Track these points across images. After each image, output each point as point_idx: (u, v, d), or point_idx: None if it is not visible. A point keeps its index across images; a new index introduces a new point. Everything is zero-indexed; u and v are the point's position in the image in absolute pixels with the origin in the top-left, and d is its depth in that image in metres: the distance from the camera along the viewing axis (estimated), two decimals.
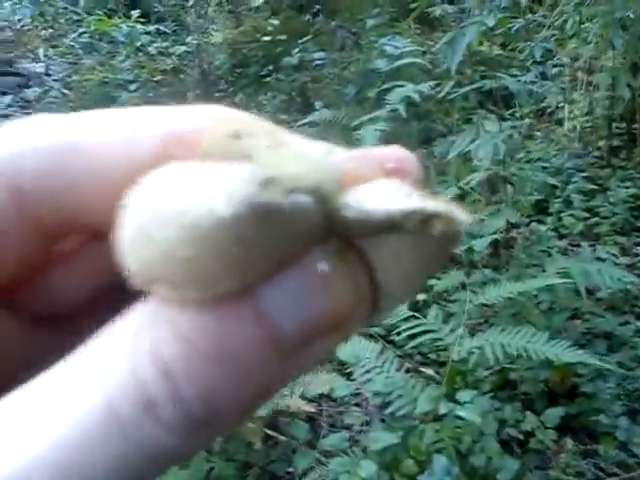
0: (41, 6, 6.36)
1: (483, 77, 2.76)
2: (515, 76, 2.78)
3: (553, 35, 3.75)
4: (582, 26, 3.59)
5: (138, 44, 5.13)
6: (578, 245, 2.90)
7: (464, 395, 1.65)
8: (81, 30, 5.79)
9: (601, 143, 3.88)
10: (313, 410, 1.89)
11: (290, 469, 1.76)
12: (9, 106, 4.80)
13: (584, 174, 3.49)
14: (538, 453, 1.83)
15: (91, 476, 0.16)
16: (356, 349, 1.78)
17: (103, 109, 0.21)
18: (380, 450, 1.58)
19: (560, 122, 4.17)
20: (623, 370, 2.02)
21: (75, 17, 6.26)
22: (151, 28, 5.51)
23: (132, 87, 4.88)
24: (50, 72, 5.87)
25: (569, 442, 1.85)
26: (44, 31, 6.52)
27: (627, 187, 3.30)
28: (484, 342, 1.71)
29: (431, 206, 0.17)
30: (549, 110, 4.23)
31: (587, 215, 3.11)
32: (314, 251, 0.17)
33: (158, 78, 5.20)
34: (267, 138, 0.18)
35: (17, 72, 5.90)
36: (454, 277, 2.13)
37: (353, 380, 1.83)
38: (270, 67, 5.22)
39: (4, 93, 5.23)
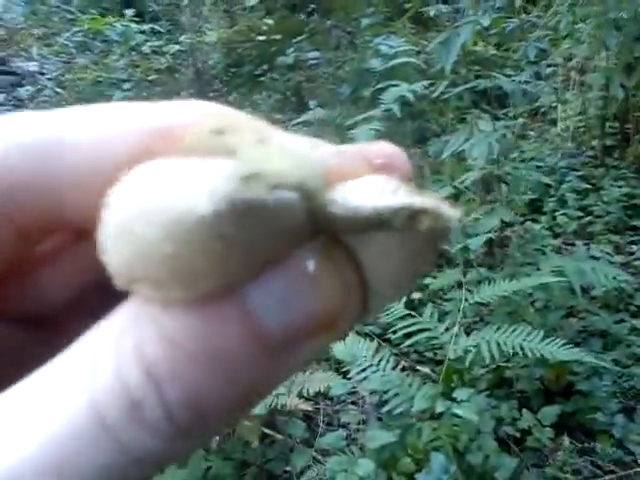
0: (34, 4, 6.34)
1: (477, 77, 2.76)
2: (509, 76, 2.79)
3: (547, 35, 3.75)
4: (576, 26, 3.60)
5: (132, 43, 5.11)
6: (572, 244, 2.91)
7: (461, 393, 1.65)
8: (75, 29, 5.76)
9: (594, 143, 3.89)
10: (310, 409, 1.89)
11: (287, 468, 1.76)
12: (2, 105, 4.79)
13: (578, 173, 3.50)
14: (535, 451, 1.83)
15: (80, 477, 0.16)
16: (352, 348, 1.78)
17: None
18: (377, 448, 1.59)
19: (554, 122, 4.18)
20: (619, 368, 2.03)
21: (69, 16, 6.23)
22: (145, 27, 5.48)
23: (126, 86, 4.87)
24: (44, 71, 5.85)
25: (566, 440, 1.85)
26: (37, 30, 6.49)
27: (620, 186, 3.31)
28: (480, 340, 1.71)
29: (418, 202, 0.17)
30: (543, 110, 4.24)
31: (581, 214, 3.12)
32: (301, 249, 0.17)
33: (152, 77, 5.19)
34: (251, 134, 0.17)
35: (10, 71, 5.87)
36: (449, 276, 2.13)
37: (349, 379, 1.82)
38: (265, 66, 5.21)
39: None
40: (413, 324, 1.81)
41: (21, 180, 0.19)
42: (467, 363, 1.72)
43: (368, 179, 0.18)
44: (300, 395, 1.77)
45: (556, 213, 3.13)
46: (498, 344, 1.68)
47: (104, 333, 0.17)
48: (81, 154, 0.19)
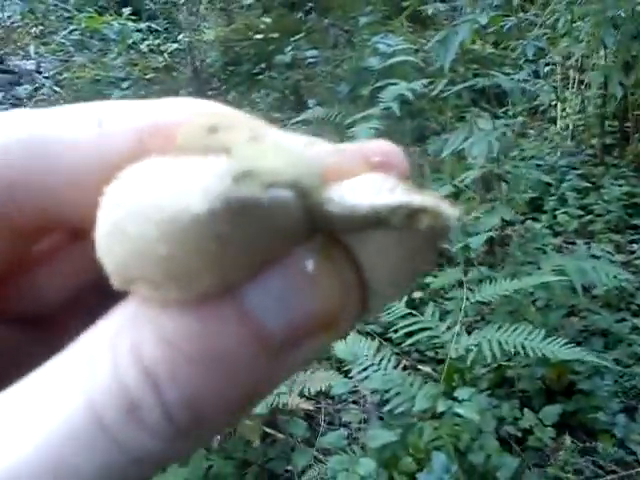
0: (31, 3, 6.33)
1: (476, 75, 2.76)
2: (508, 74, 2.79)
3: (545, 34, 3.76)
4: (574, 25, 3.61)
5: (130, 42, 5.11)
6: (573, 243, 2.91)
7: (462, 393, 1.65)
8: (72, 27, 5.75)
9: (594, 141, 3.89)
10: (311, 408, 1.89)
11: (289, 467, 1.76)
12: (0, 104, 4.78)
13: (578, 172, 3.50)
14: (536, 451, 1.84)
15: (78, 478, 0.16)
16: (353, 347, 1.78)
17: None
18: (379, 448, 1.59)
19: (553, 120, 4.18)
20: (620, 367, 2.03)
21: (66, 14, 6.22)
22: (142, 26, 5.48)
23: (124, 85, 4.87)
24: (41, 69, 5.85)
25: (567, 440, 1.85)
26: (34, 28, 6.49)
27: (620, 185, 3.32)
28: (481, 339, 1.71)
29: (417, 200, 0.17)
30: (542, 108, 4.25)
31: (581, 213, 3.13)
32: (298, 248, 0.17)
33: (150, 76, 5.19)
34: (246, 132, 0.17)
35: (8, 69, 5.87)
36: (450, 275, 2.13)
37: (351, 378, 1.82)
38: (263, 65, 5.21)
39: None
40: (414, 323, 1.82)
41: (20, 179, 0.19)
42: (468, 362, 1.72)
43: (365, 177, 0.18)
44: (301, 394, 1.77)
45: (556, 212, 3.13)
46: (499, 343, 1.69)
47: (102, 333, 0.17)
48: (79, 152, 0.19)
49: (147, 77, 5.16)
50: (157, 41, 5.55)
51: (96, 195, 0.17)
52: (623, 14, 3.25)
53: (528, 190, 3.02)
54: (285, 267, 0.17)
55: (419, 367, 2.14)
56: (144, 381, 0.16)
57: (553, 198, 3.24)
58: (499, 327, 1.75)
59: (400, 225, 0.17)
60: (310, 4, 5.56)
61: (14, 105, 4.78)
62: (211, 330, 0.16)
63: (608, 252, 2.69)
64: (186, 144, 0.18)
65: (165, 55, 5.45)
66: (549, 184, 3.13)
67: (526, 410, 1.90)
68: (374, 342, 1.83)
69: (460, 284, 2.03)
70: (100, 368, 0.16)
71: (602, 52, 3.67)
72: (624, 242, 2.95)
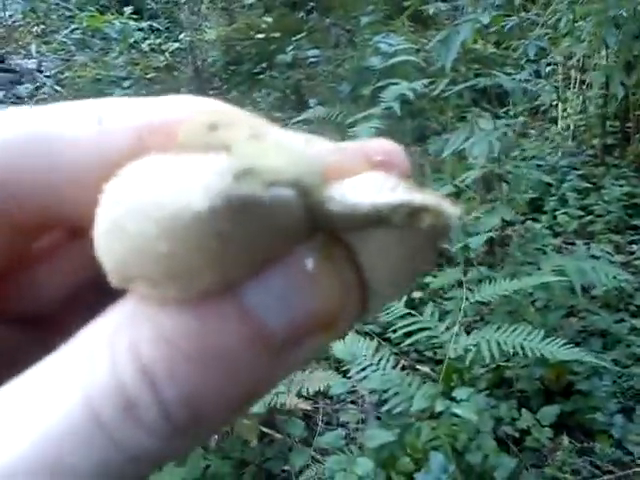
0: (33, 2, 6.34)
1: (477, 75, 2.76)
2: (509, 74, 2.79)
3: (547, 33, 3.75)
4: (576, 24, 3.60)
5: (131, 41, 5.11)
6: (573, 243, 2.91)
7: (460, 393, 1.65)
8: (73, 26, 5.76)
9: (595, 141, 3.89)
10: (309, 408, 1.89)
11: (286, 467, 1.76)
12: (1, 102, 4.79)
13: (578, 172, 3.50)
14: (534, 451, 1.84)
15: (75, 475, 0.16)
16: (352, 347, 1.78)
17: None
18: (376, 448, 1.59)
19: (554, 120, 4.18)
20: (618, 368, 2.03)
21: (67, 13, 6.22)
22: (144, 25, 5.48)
23: (125, 84, 4.88)
24: (42, 68, 5.85)
25: (565, 440, 1.85)
26: (36, 27, 6.49)
27: (621, 185, 3.32)
28: (480, 340, 1.71)
29: (419, 199, 0.17)
30: (543, 108, 4.25)
31: (581, 213, 3.12)
32: (299, 247, 0.17)
33: (151, 75, 5.19)
34: (247, 129, 0.17)
35: (9, 68, 5.87)
36: (450, 275, 2.13)
37: (349, 378, 1.83)
38: (264, 64, 5.21)
39: None
40: (413, 323, 1.82)
41: (21, 176, 0.19)
42: (467, 362, 1.71)
43: (366, 176, 0.18)
44: (299, 394, 1.77)
45: (557, 212, 3.13)
46: (498, 343, 1.68)
47: (100, 331, 0.17)
48: (80, 150, 0.19)
49: (148, 76, 5.16)
50: (158, 40, 5.55)
51: (96, 193, 0.17)
52: (625, 14, 3.25)
53: (529, 190, 3.02)
54: (286, 266, 0.17)
55: (418, 367, 2.14)
56: (141, 379, 0.16)
57: (553, 198, 3.24)
58: (498, 327, 1.75)
59: (401, 224, 0.17)
60: (311, 4, 5.56)
61: (15, 104, 4.77)
62: (211, 328, 0.16)
63: (608, 253, 2.68)
64: (187, 142, 0.18)
65: (166, 54, 5.46)
66: (550, 184, 3.13)
67: (524, 410, 1.90)
68: (373, 342, 1.83)
69: (460, 284, 2.02)
70: (98, 366, 0.16)
71: (604, 52, 3.67)
72: (624, 243, 2.95)
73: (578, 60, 3.94)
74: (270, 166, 0.16)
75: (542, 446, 1.83)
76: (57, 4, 6.32)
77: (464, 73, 2.78)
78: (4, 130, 0.19)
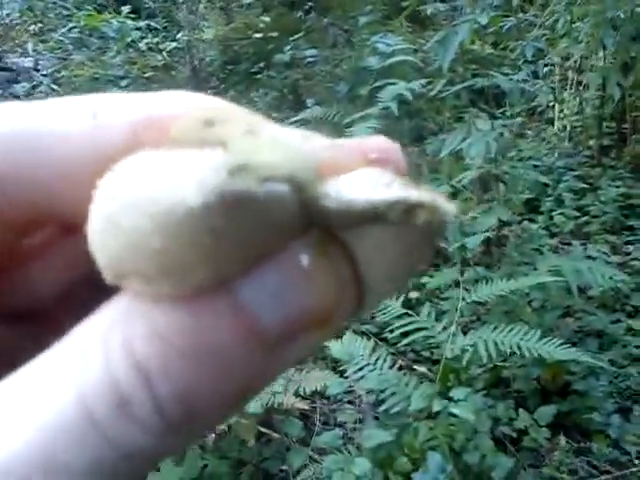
0: (30, 0, 6.31)
1: (475, 75, 2.76)
2: (506, 75, 2.79)
3: (544, 34, 3.75)
4: (573, 26, 3.60)
5: (128, 40, 5.09)
6: (569, 243, 2.92)
7: (458, 393, 1.65)
8: (71, 25, 5.73)
9: (591, 142, 3.90)
10: (306, 407, 1.89)
11: (284, 467, 1.76)
12: None
13: (575, 173, 3.51)
14: (531, 451, 1.84)
15: (69, 472, 0.16)
16: (349, 347, 1.78)
17: None
18: (374, 447, 1.58)
19: (551, 121, 4.19)
20: (615, 368, 2.03)
21: (64, 12, 6.20)
22: (142, 24, 5.46)
23: (123, 83, 4.85)
24: (39, 67, 5.83)
25: (562, 440, 1.86)
26: (33, 25, 6.47)
27: (617, 186, 3.32)
28: (477, 340, 1.71)
29: (415, 195, 0.17)
30: (540, 109, 4.25)
31: (578, 214, 3.13)
32: (294, 242, 0.17)
33: (149, 74, 5.17)
34: (242, 125, 0.17)
35: (6, 67, 5.85)
36: (447, 275, 2.13)
37: (346, 378, 1.82)
38: (261, 64, 5.20)
39: None
40: (410, 323, 1.81)
41: (9, 171, 0.19)
42: (464, 362, 1.72)
43: (362, 172, 0.18)
44: (297, 394, 1.77)
45: (553, 213, 3.14)
46: (495, 343, 1.68)
47: (93, 327, 0.17)
48: (71, 145, 0.19)
49: (146, 76, 5.15)
50: (156, 39, 5.54)
51: (90, 188, 0.16)
52: (622, 15, 3.25)
53: (525, 191, 3.02)
54: (280, 262, 0.17)
55: (414, 367, 2.14)
56: (135, 375, 0.16)
57: (550, 199, 3.24)
58: (495, 327, 1.75)
59: (397, 220, 0.17)
60: (309, 3, 5.55)
61: None
62: (204, 324, 0.16)
63: (604, 253, 2.69)
64: (181, 137, 0.17)
65: (164, 54, 5.44)
66: (546, 185, 3.14)
67: (521, 410, 1.90)
68: (370, 342, 1.83)
69: (456, 284, 2.03)
70: (92, 362, 0.16)
71: (601, 53, 3.67)
72: (620, 243, 2.95)
73: (575, 61, 3.94)
74: (265, 162, 0.16)
75: (539, 446, 1.84)
76: (54, 2, 6.29)
77: (462, 73, 2.78)
78: None
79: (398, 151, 0.20)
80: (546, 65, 3.97)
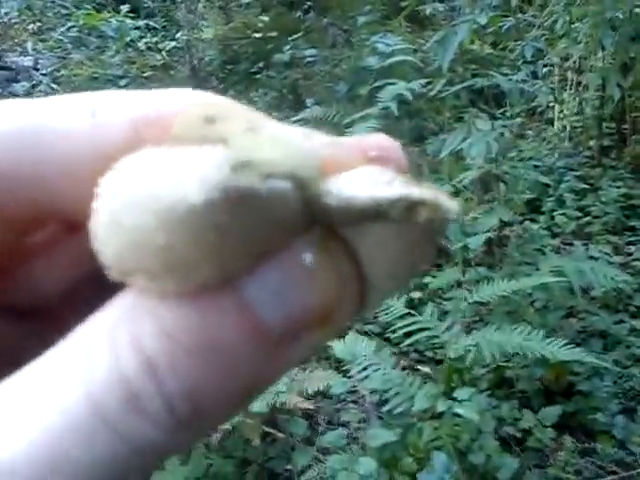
0: None
1: (474, 75, 2.76)
2: (506, 75, 2.79)
3: (543, 35, 3.76)
4: (572, 26, 3.61)
5: (128, 39, 5.09)
6: (571, 244, 2.92)
7: (462, 393, 1.65)
8: (70, 24, 5.72)
9: (591, 143, 3.90)
10: (311, 407, 1.89)
11: (289, 466, 1.76)
12: None
13: (576, 173, 3.51)
14: (537, 451, 1.84)
15: (77, 470, 0.16)
16: (352, 346, 1.78)
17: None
18: (379, 447, 1.59)
19: (551, 121, 4.19)
20: (619, 368, 2.04)
21: (63, 11, 6.18)
22: (141, 23, 5.47)
23: (122, 83, 4.85)
24: (38, 66, 5.81)
25: (567, 440, 1.86)
26: (32, 25, 6.45)
27: (618, 187, 3.33)
28: (480, 340, 1.71)
29: (416, 193, 0.17)
30: (540, 109, 4.25)
31: (579, 214, 3.13)
32: (296, 240, 0.17)
33: (148, 74, 5.17)
34: (243, 122, 0.17)
35: (5, 66, 5.83)
36: (449, 275, 2.13)
37: (350, 377, 1.82)
38: (261, 64, 5.19)
39: None
40: (413, 323, 1.82)
41: (10, 169, 0.19)
42: (467, 363, 1.72)
43: (363, 170, 0.18)
44: (300, 393, 1.77)
45: (554, 213, 3.14)
46: (499, 344, 1.68)
47: (99, 325, 0.17)
48: (72, 142, 0.19)
49: (145, 75, 5.15)
50: (155, 39, 5.54)
51: (91, 186, 0.17)
52: (621, 15, 3.26)
53: (526, 191, 3.02)
54: (283, 260, 0.17)
55: (418, 367, 2.14)
56: (145, 371, 0.16)
57: (551, 199, 3.24)
58: (498, 328, 1.75)
59: (399, 218, 0.17)
60: (309, 3, 5.56)
61: None
62: (210, 322, 0.16)
63: (606, 253, 2.69)
64: (182, 134, 0.17)
65: (163, 53, 5.44)
66: (547, 185, 3.14)
67: (525, 411, 1.90)
68: (373, 342, 1.83)
69: (459, 284, 2.03)
70: (99, 360, 0.16)
71: (600, 54, 3.67)
72: (622, 244, 2.96)
73: (574, 62, 3.94)
74: (267, 159, 0.16)
75: (544, 446, 1.84)
76: (53, 1, 6.28)
77: (461, 74, 2.78)
78: None
79: (398, 149, 0.20)
80: (545, 65, 3.98)
